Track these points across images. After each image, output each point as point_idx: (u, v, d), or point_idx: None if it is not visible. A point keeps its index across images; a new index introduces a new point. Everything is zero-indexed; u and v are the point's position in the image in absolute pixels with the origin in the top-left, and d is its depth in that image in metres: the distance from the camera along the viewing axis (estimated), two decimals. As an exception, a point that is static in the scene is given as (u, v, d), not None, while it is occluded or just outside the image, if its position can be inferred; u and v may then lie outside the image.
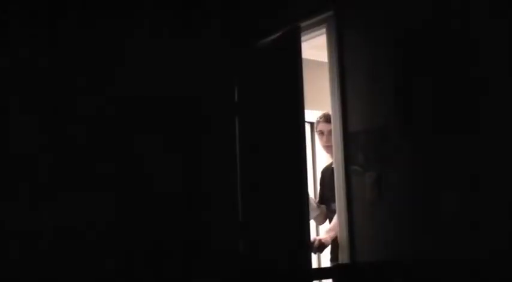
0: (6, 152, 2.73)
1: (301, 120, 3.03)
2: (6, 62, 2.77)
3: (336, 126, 2.92)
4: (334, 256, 3.28)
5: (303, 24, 3.15)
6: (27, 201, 2.74)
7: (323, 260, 4.56)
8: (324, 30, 3.04)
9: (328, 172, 3.50)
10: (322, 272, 2.99)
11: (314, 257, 4.93)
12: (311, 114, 3.56)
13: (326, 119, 3.38)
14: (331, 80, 2.97)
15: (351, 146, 2.83)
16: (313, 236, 3.20)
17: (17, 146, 2.76)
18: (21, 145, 2.77)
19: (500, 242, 2.21)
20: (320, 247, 3.17)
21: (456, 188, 2.37)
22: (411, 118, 2.57)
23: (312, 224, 3.63)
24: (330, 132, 3.27)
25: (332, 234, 3.22)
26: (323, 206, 3.47)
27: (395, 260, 2.54)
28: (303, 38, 3.21)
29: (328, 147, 3.39)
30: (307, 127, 4.81)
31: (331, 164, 3.44)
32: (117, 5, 3.17)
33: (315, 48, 3.66)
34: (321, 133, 3.44)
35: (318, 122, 3.47)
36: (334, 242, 3.18)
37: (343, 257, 2.82)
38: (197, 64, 3.40)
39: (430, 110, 2.49)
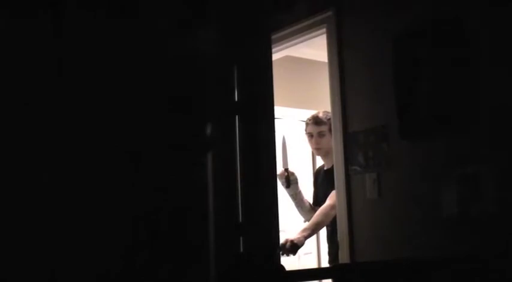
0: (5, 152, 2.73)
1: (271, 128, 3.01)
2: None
3: (336, 126, 2.93)
4: (332, 258, 3.26)
5: (303, 24, 3.16)
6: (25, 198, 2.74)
7: (323, 261, 4.56)
8: (324, 30, 3.05)
9: (320, 174, 3.50)
10: (322, 272, 2.97)
11: (314, 258, 4.95)
12: (310, 114, 3.55)
13: (315, 121, 3.35)
14: (331, 80, 2.98)
15: (351, 146, 2.83)
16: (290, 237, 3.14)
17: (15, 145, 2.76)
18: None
19: (500, 242, 2.21)
20: (292, 248, 3.07)
21: (456, 188, 2.37)
22: (411, 118, 2.57)
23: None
24: (319, 134, 3.31)
25: (306, 233, 3.15)
26: (317, 208, 3.41)
27: (395, 260, 2.54)
28: (303, 38, 3.22)
29: (318, 150, 3.38)
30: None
31: (322, 166, 3.46)
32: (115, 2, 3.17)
33: (315, 48, 3.66)
34: (310, 135, 3.39)
35: (307, 124, 3.42)
36: (333, 244, 3.17)
37: (343, 257, 2.82)
38: (195, 63, 3.38)
39: (430, 109, 2.49)
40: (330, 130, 3.24)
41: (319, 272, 2.79)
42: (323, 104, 3.55)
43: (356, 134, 2.81)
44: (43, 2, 2.91)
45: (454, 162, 2.39)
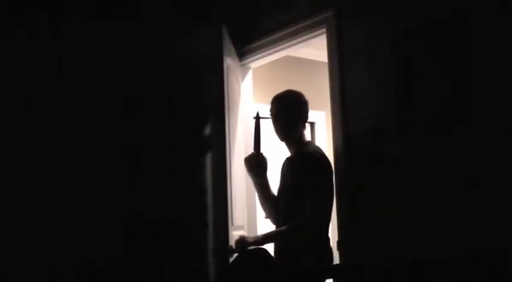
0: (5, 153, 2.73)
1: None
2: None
3: (336, 126, 2.92)
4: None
5: (303, 24, 3.16)
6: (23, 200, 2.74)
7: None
8: (324, 30, 3.05)
9: (283, 165, 2.95)
10: (322, 272, 2.95)
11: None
12: (311, 114, 3.51)
13: (283, 99, 2.85)
14: (331, 80, 2.97)
15: (351, 146, 2.82)
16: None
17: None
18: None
19: (501, 241, 2.21)
20: (239, 245, 2.70)
21: (456, 188, 2.37)
22: (411, 118, 2.57)
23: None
24: (286, 120, 2.81)
25: (256, 239, 2.70)
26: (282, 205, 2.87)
27: (395, 260, 2.54)
28: (303, 38, 3.22)
29: (283, 134, 2.83)
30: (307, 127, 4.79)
31: (289, 156, 2.91)
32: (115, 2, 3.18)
33: (315, 48, 3.66)
34: (275, 117, 2.84)
35: (273, 102, 2.88)
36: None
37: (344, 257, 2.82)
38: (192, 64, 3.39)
39: (430, 109, 2.49)
40: (298, 114, 2.82)
41: (318, 272, 2.78)
42: (323, 104, 3.54)
43: (356, 134, 2.81)
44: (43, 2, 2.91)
45: (454, 162, 2.39)
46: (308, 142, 2.90)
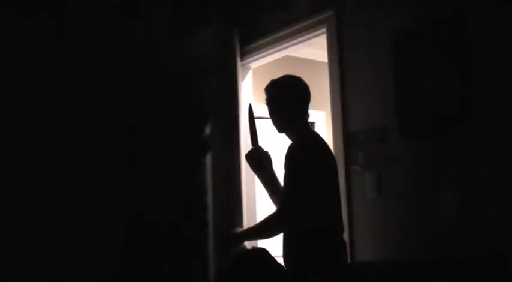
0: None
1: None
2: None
3: (336, 126, 2.92)
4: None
5: (303, 24, 3.16)
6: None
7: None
8: (324, 30, 3.05)
9: None
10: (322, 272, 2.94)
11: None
12: (311, 114, 3.50)
13: (274, 85, 2.57)
14: (331, 80, 2.98)
15: (351, 146, 2.83)
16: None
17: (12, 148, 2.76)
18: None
19: (501, 241, 2.21)
20: (228, 241, 2.72)
21: (456, 188, 2.37)
22: (411, 118, 2.57)
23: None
24: (280, 107, 2.55)
25: (239, 237, 2.66)
26: None
27: (395, 260, 2.54)
28: (303, 38, 3.22)
29: (280, 126, 2.56)
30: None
31: None
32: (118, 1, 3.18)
33: (315, 48, 3.66)
34: (269, 106, 2.58)
35: (266, 90, 2.60)
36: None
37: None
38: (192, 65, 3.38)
39: (430, 109, 2.49)
40: (296, 101, 2.53)
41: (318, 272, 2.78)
42: (323, 104, 3.54)
43: (356, 134, 2.81)
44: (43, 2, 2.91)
45: (454, 162, 2.39)
46: (311, 131, 2.61)
